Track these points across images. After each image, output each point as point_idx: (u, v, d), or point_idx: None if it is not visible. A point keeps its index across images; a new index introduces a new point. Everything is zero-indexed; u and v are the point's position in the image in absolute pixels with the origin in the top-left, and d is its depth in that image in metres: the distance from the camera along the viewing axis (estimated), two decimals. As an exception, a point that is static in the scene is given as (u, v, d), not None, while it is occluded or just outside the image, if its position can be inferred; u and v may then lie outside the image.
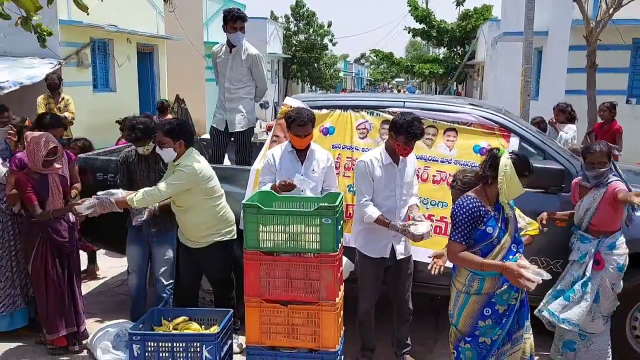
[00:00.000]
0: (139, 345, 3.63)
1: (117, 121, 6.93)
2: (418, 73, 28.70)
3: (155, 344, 3.64)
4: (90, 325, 4.60)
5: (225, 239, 4.10)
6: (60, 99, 8.33)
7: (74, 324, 4.19)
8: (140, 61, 13.61)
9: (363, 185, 3.77)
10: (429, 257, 3.64)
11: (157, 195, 3.85)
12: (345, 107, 4.55)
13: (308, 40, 32.71)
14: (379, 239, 3.80)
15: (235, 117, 5.20)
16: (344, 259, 3.82)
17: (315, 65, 33.46)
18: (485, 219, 3.00)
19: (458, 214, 3.04)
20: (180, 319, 3.95)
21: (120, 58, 12.50)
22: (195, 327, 3.89)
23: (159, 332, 3.75)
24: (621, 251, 3.73)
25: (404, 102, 4.48)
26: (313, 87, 35.54)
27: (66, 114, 8.22)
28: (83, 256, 5.75)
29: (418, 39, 32.74)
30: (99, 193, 3.88)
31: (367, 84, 71.12)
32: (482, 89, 25.04)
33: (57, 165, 4.01)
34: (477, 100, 6.85)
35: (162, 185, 3.86)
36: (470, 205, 3.00)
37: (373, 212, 3.72)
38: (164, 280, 4.34)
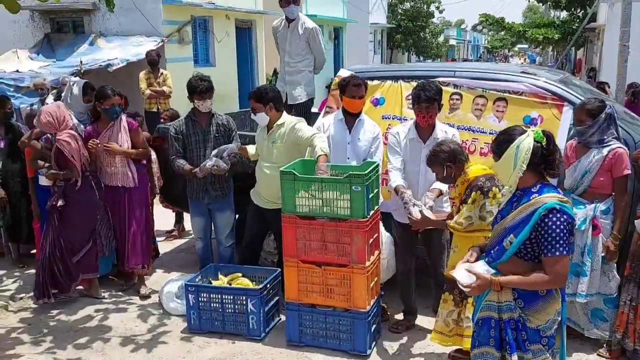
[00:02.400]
0: (193, 295, 4.07)
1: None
2: (531, 39, 27.01)
3: (207, 295, 4.06)
4: (167, 276, 5.16)
5: None
6: (159, 74, 9.09)
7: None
8: (238, 37, 14.22)
9: (390, 154, 3.91)
10: None
11: (327, 151, 3.95)
12: (396, 78, 4.60)
13: (414, 8, 31.95)
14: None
15: (295, 90, 5.45)
16: (384, 262, 3.98)
17: (421, 34, 32.65)
18: None
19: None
20: (235, 274, 4.35)
21: (219, 34, 13.16)
22: (246, 283, 4.26)
23: (210, 285, 4.17)
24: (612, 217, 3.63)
25: (455, 71, 4.44)
26: (420, 57, 34.79)
27: (164, 87, 9.00)
28: (170, 216, 6.42)
29: (534, 1, 30.69)
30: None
31: (483, 52, 67.86)
32: (601, 54, 23.08)
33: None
34: (536, 67, 6.44)
35: (323, 145, 3.94)
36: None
37: (394, 180, 3.81)
38: (225, 243, 4.75)
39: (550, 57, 36.89)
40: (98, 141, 4.52)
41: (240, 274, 4.35)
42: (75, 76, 8.91)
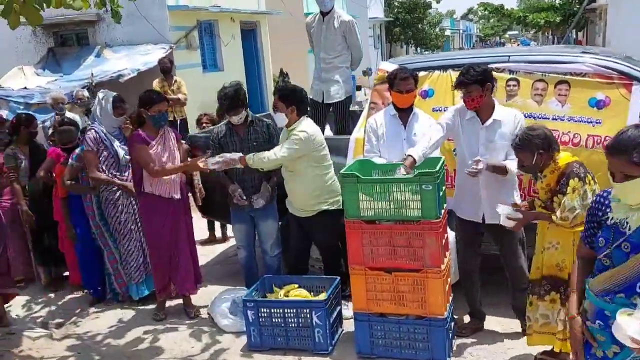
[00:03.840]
0: (252, 312, 3.83)
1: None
2: (532, 24, 26.77)
3: (268, 310, 3.82)
4: (207, 291, 4.91)
5: (333, 208, 4.16)
6: (173, 82, 8.85)
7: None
8: (244, 39, 13.99)
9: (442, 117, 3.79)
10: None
11: (273, 158, 3.98)
12: (444, 67, 4.37)
13: (411, 0, 31.72)
14: (470, 201, 3.70)
15: (332, 88, 5.21)
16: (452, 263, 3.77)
17: (419, 25, 32.42)
18: None
19: None
20: (291, 286, 4.11)
21: (226, 37, 12.93)
22: (305, 294, 4.03)
23: (271, 299, 3.93)
24: None
25: (509, 56, 4.20)
26: (418, 49, 34.54)
27: (179, 95, 8.75)
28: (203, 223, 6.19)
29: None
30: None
31: (476, 41, 67.65)
32: (605, 35, 22.82)
33: None
34: (593, 47, 6.20)
35: (277, 149, 4.01)
36: None
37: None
38: (271, 252, 4.51)
39: (549, 40, 36.61)
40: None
41: (296, 285, 4.12)
42: (87, 89, 8.73)
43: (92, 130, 4.49)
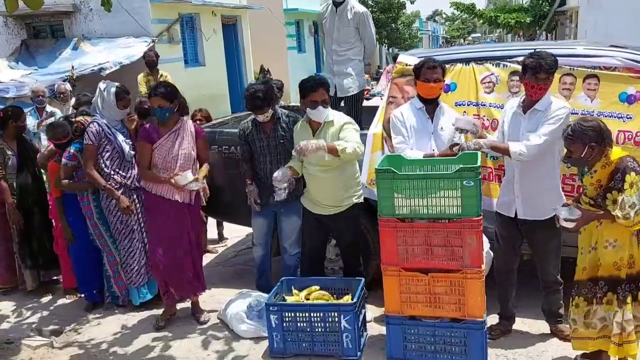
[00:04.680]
0: (276, 316, 3.61)
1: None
2: (504, 24, 27.09)
3: (292, 315, 3.61)
4: (213, 293, 4.69)
5: (360, 201, 4.00)
6: (159, 76, 8.49)
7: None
8: (224, 34, 13.68)
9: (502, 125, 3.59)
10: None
11: (359, 152, 3.76)
12: (466, 60, 4.22)
13: (385, 0, 31.72)
14: (503, 193, 3.59)
15: (345, 81, 5.02)
16: (487, 254, 3.58)
17: (393, 25, 32.46)
18: None
19: None
20: (312, 288, 3.91)
21: (207, 32, 12.61)
22: (327, 297, 3.83)
23: (296, 303, 3.71)
24: None
25: (534, 49, 4.07)
26: (390, 49, 34.60)
27: (166, 90, 8.40)
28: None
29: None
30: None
31: (443, 42, 68.49)
32: (577, 37, 23.26)
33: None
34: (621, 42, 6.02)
35: (356, 142, 3.74)
36: None
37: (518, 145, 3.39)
38: (291, 250, 4.29)
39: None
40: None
41: (317, 287, 3.91)
42: (68, 82, 8.31)
43: (95, 124, 4.17)
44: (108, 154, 4.18)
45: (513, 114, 3.52)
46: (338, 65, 5.06)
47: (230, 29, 14.14)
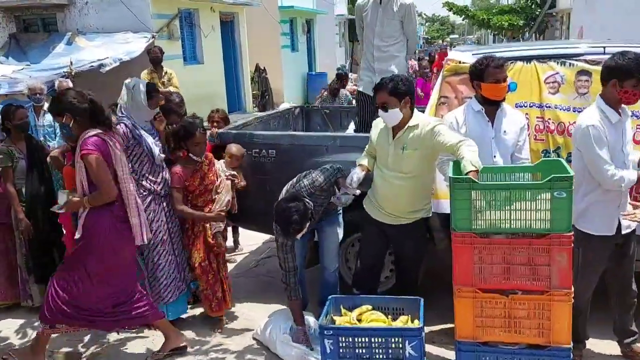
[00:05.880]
0: (331, 341, 3.23)
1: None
2: (496, 26, 27.05)
3: (350, 339, 3.23)
4: (240, 309, 4.33)
5: (429, 215, 3.64)
6: (163, 73, 8.04)
7: None
8: (222, 31, 13.23)
9: (603, 151, 3.08)
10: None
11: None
12: (527, 58, 3.89)
13: (374, -1, 31.40)
14: (607, 212, 3.19)
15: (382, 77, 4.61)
16: None
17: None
18: None
19: None
20: (364, 307, 3.53)
21: (205, 28, 12.15)
22: (382, 318, 3.46)
23: (354, 327, 3.33)
24: None
25: (604, 47, 3.77)
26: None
27: (170, 88, 7.92)
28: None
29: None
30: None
31: (424, 42, 68.85)
32: (569, 39, 23.26)
33: None
34: None
35: (458, 137, 3.25)
36: None
37: (630, 173, 3.08)
38: (331, 266, 3.91)
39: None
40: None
41: (369, 307, 3.54)
42: (66, 78, 7.80)
43: (122, 125, 3.75)
44: (136, 157, 3.77)
45: (614, 126, 3.13)
46: (380, 62, 4.68)
47: (227, 27, 13.70)
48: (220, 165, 4.11)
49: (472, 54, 4.01)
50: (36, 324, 4.32)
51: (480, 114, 3.48)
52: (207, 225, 3.97)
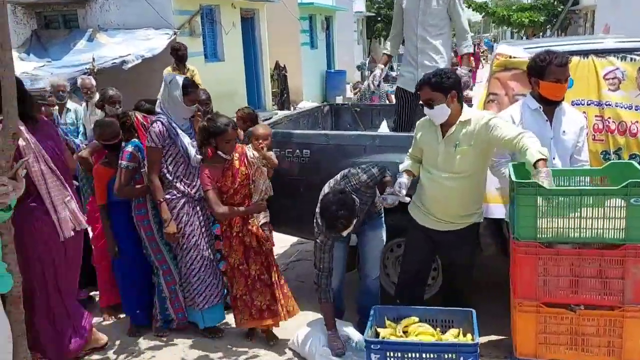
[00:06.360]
0: (378, 355, 3.01)
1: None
2: (516, 23, 26.60)
3: (399, 355, 3.01)
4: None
5: (481, 220, 3.40)
6: (186, 71, 7.83)
7: None
8: (242, 28, 13.03)
9: None
10: None
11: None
12: (584, 53, 3.63)
13: (392, -3, 31.19)
14: None
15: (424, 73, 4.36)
16: None
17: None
18: None
19: None
20: (410, 319, 3.30)
21: (227, 25, 11.96)
22: (430, 331, 3.22)
23: (404, 341, 3.10)
24: None
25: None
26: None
27: (194, 86, 7.75)
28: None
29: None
30: None
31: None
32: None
33: None
34: None
35: (516, 129, 3.02)
36: None
37: None
38: (373, 273, 3.68)
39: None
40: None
41: (416, 319, 3.31)
42: (88, 75, 7.64)
43: (158, 123, 3.56)
44: (171, 158, 3.58)
45: None
46: (423, 55, 4.39)
47: (248, 23, 13.50)
48: (250, 152, 3.71)
49: (524, 48, 3.78)
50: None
51: (538, 113, 3.23)
52: (250, 220, 3.61)
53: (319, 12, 18.95)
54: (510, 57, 3.73)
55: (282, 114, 5.84)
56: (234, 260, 3.65)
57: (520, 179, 2.78)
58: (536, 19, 25.78)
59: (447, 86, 3.14)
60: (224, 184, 3.54)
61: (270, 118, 5.76)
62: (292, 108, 14.72)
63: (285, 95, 15.71)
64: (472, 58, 11.79)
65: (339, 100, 15.33)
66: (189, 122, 3.73)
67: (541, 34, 27.41)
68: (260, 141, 3.77)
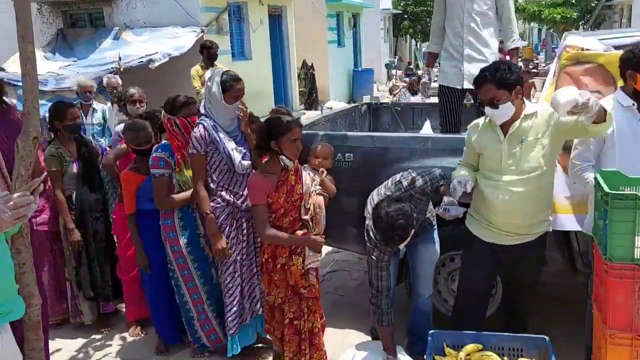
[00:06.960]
0: (443, 391, 2.63)
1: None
2: (548, 19, 25.86)
3: (466, 390, 2.63)
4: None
5: (550, 229, 3.02)
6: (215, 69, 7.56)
7: None
8: (270, 26, 12.74)
9: None
10: None
11: None
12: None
13: (420, -7, 30.63)
14: None
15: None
16: None
17: (428, 19, 31.32)
18: None
19: None
20: (472, 346, 2.93)
21: (254, 23, 11.67)
22: (497, 360, 2.84)
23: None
24: None
25: None
26: (418, 45, 33.53)
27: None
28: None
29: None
30: None
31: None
32: (630, 32, 21.93)
33: None
34: None
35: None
36: None
37: None
38: (425, 291, 3.32)
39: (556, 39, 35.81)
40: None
41: (480, 345, 2.93)
42: (114, 74, 7.40)
43: (200, 126, 3.21)
44: (215, 165, 3.23)
45: None
46: (470, 47, 4.00)
47: (275, 21, 13.20)
48: (305, 172, 3.15)
49: (598, 39, 3.37)
50: (86, 343, 3.92)
51: (630, 111, 2.83)
52: (293, 255, 2.97)
53: (347, 9, 18.58)
54: (583, 49, 3.33)
55: (315, 114, 5.49)
56: (274, 299, 3.06)
57: (612, 189, 2.38)
58: (569, 15, 25.02)
59: (512, 82, 2.80)
60: (275, 200, 2.90)
61: (299, 118, 5.43)
62: (319, 108, 14.39)
63: (314, 94, 15.39)
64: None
65: (367, 99, 14.96)
66: (237, 122, 3.33)
67: (574, 30, 26.62)
68: (320, 160, 3.39)
